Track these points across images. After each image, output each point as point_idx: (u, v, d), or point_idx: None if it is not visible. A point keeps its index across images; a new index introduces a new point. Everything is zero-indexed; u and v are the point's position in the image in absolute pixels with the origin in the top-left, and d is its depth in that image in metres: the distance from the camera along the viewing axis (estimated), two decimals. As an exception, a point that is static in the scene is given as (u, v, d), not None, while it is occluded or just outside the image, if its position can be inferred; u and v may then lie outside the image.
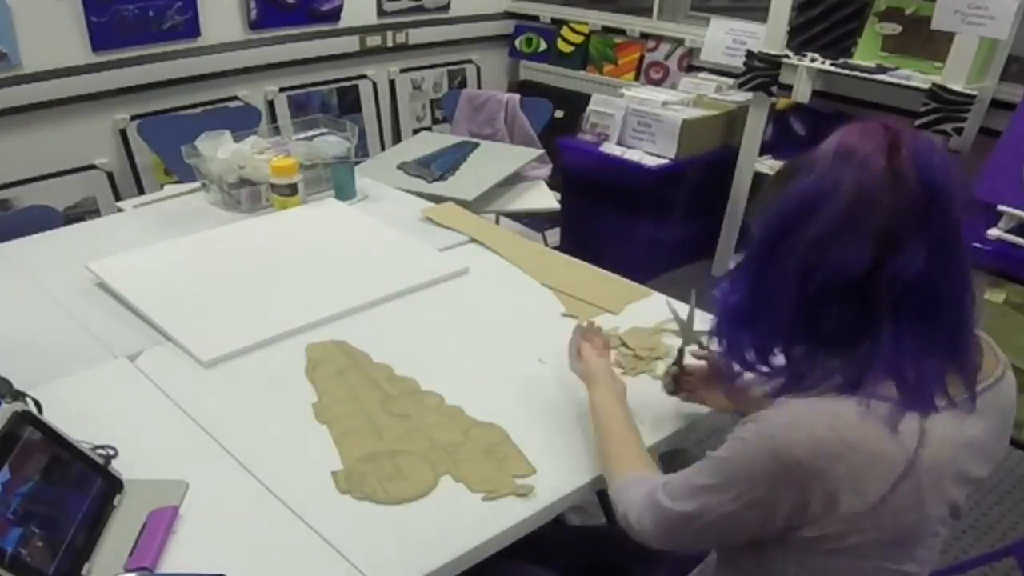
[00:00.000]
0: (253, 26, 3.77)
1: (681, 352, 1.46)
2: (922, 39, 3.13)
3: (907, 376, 0.93)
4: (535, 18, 4.72)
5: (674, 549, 1.12)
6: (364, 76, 4.28)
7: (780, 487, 0.94)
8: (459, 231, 2.21)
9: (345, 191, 2.46)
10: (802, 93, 3.45)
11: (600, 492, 1.64)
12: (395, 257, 2.04)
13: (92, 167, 3.41)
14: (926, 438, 0.92)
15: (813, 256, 0.93)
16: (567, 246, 3.21)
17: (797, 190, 0.95)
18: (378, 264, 2.01)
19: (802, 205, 0.94)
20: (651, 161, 3.55)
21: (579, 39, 4.55)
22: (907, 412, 0.92)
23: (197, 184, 2.47)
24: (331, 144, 2.48)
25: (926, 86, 2.97)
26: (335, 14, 4.05)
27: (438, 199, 2.49)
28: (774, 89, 3.47)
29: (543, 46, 4.70)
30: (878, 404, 0.92)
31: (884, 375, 0.93)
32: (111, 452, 1.29)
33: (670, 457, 2.51)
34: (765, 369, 1.04)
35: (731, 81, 3.82)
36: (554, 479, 1.32)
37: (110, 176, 3.47)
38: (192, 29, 3.56)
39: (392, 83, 4.42)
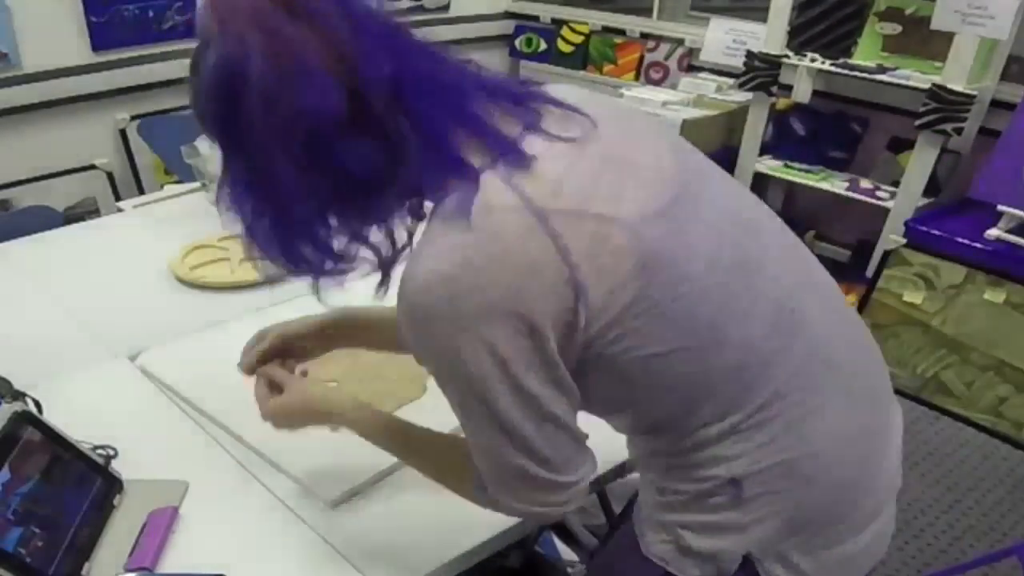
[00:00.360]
0: (254, 26, 3.77)
1: None
2: (922, 39, 3.12)
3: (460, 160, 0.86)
4: (535, 18, 4.71)
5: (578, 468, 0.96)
6: (364, 76, 4.27)
7: (489, 322, 0.83)
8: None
9: (345, 191, 2.45)
10: (802, 93, 3.45)
11: (599, 493, 1.64)
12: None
13: (92, 167, 3.41)
14: (559, 188, 0.85)
15: (276, 120, 0.82)
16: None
17: (210, 72, 0.83)
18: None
19: (226, 81, 0.82)
20: (651, 161, 3.53)
21: (579, 39, 4.54)
22: (503, 185, 0.84)
23: (197, 184, 2.46)
24: (331, 144, 2.48)
25: (926, 86, 2.96)
26: (335, 14, 4.04)
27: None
28: (774, 89, 3.47)
29: (543, 46, 4.69)
30: (470, 202, 0.83)
31: (439, 174, 0.86)
32: (111, 452, 1.29)
33: None
34: (344, 263, 0.92)
35: (731, 81, 3.81)
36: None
37: (110, 176, 3.47)
38: (192, 29, 3.52)
39: (392, 83, 4.41)
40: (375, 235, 0.91)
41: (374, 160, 0.84)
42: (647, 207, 0.87)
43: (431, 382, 1.33)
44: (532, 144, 0.87)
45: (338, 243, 0.90)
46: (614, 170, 0.89)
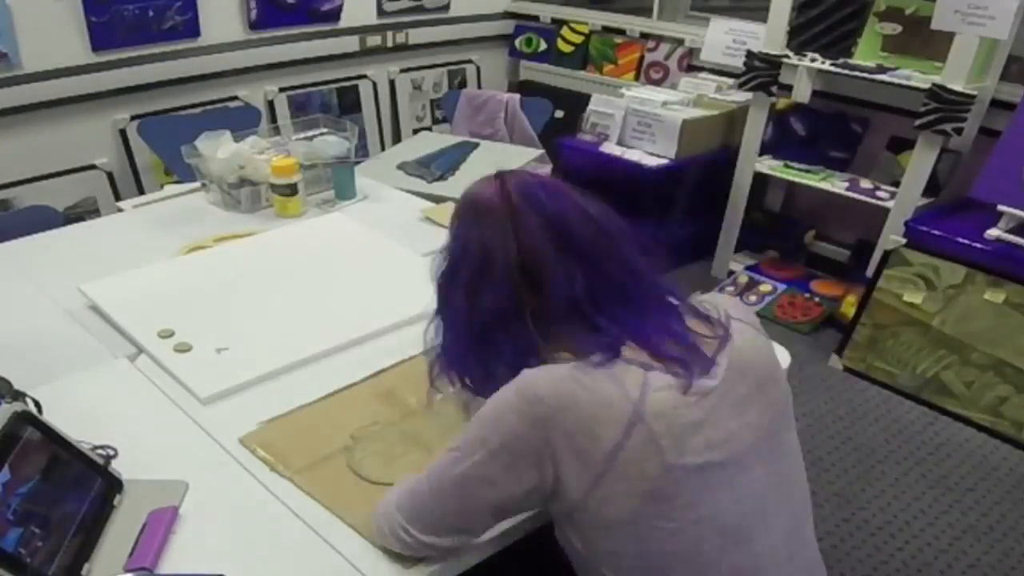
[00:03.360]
0: (253, 26, 3.77)
1: None
2: (922, 39, 3.12)
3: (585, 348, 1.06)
4: (535, 18, 4.72)
5: (434, 548, 1.12)
6: (364, 76, 4.28)
7: (526, 426, 1.00)
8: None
9: (345, 191, 2.45)
10: (802, 93, 3.44)
11: None
12: (404, 279, 1.87)
13: (92, 167, 3.41)
14: (648, 389, 1.00)
15: (471, 304, 1.13)
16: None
17: (446, 249, 1.19)
18: (387, 288, 1.90)
19: (450, 259, 1.18)
20: (651, 161, 3.54)
21: (579, 39, 4.54)
22: (631, 367, 1.03)
23: (197, 184, 2.46)
24: (331, 144, 2.48)
25: (926, 86, 2.97)
26: (335, 14, 4.05)
27: (438, 199, 2.49)
28: (774, 89, 3.47)
29: (543, 46, 4.69)
30: (602, 359, 1.03)
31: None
32: (111, 452, 1.29)
33: None
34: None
35: (731, 81, 3.82)
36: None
37: (110, 176, 3.46)
38: (192, 29, 3.56)
39: (392, 83, 4.42)
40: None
41: (520, 344, 1.12)
42: (699, 459, 1.02)
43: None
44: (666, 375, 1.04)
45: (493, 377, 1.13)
46: (700, 427, 1.03)
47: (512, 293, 1.10)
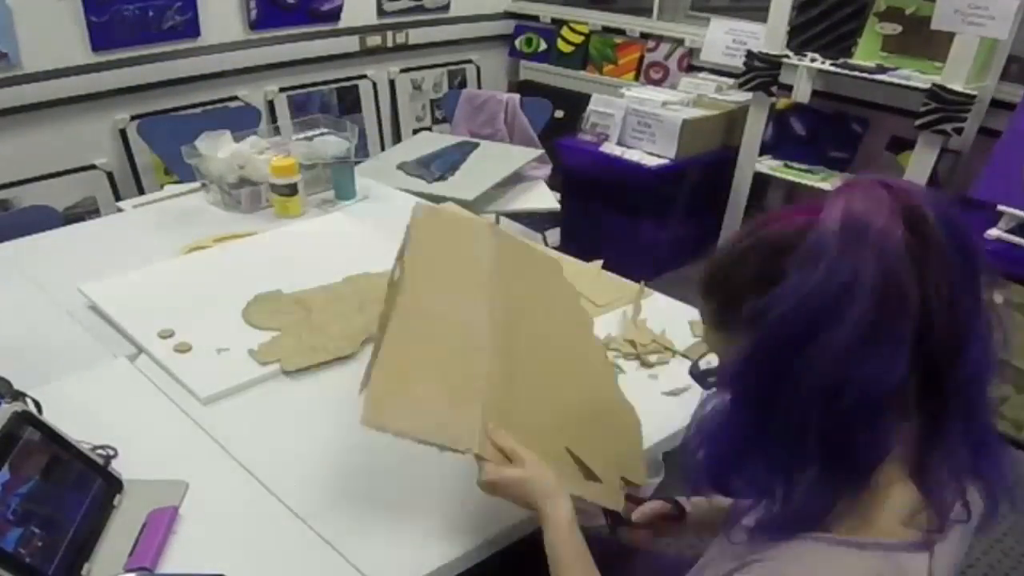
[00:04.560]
0: (253, 26, 3.77)
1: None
2: (922, 39, 3.11)
3: (940, 502, 0.81)
4: (535, 18, 4.72)
5: None
6: (364, 76, 4.28)
7: None
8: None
9: (345, 191, 2.45)
10: (802, 93, 3.44)
11: None
12: None
13: (92, 167, 3.41)
14: None
15: (839, 372, 0.73)
16: (567, 246, 3.20)
17: (799, 290, 0.74)
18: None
19: (814, 309, 0.74)
20: (651, 161, 3.55)
21: (579, 39, 4.55)
22: (917, 552, 0.80)
23: (197, 184, 2.46)
24: (331, 144, 2.48)
25: (926, 86, 2.96)
26: (335, 14, 4.05)
27: (438, 199, 2.48)
28: (774, 89, 3.47)
29: (543, 46, 4.69)
30: (888, 555, 0.79)
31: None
32: (111, 452, 1.28)
33: (671, 456, 2.49)
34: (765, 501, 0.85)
35: (731, 81, 3.81)
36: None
37: (110, 176, 3.47)
38: (192, 29, 3.56)
39: (392, 83, 4.42)
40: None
41: (870, 448, 0.77)
42: None
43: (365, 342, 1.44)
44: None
45: (781, 483, 0.82)
46: None
47: (908, 364, 0.73)
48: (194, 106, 3.67)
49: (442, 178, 2.90)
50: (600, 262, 2.06)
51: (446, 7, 4.49)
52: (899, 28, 3.23)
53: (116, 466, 1.26)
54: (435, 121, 4.65)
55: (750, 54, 3.47)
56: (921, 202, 0.75)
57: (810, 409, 0.75)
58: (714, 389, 0.92)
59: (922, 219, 0.74)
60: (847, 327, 0.72)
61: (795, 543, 0.80)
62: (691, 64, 4.14)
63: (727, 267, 0.87)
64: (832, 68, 3.27)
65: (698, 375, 1.02)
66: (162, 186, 2.83)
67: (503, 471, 1.09)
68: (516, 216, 3.37)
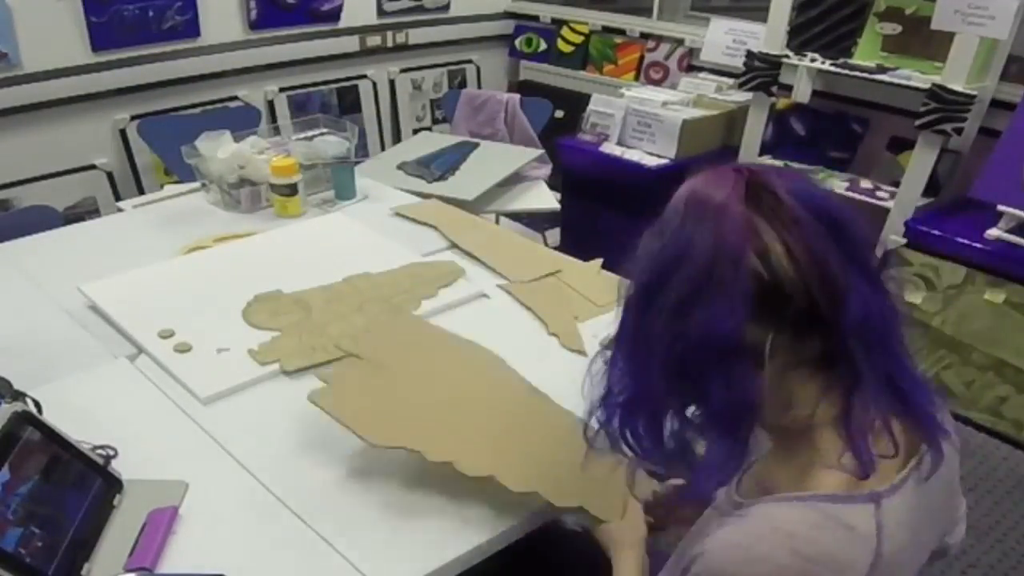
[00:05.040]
0: (253, 26, 3.77)
1: None
2: (922, 39, 3.09)
3: (859, 445, 0.85)
4: (535, 18, 4.70)
5: None
6: (364, 76, 4.27)
7: None
8: (441, 231, 2.19)
9: (345, 191, 2.45)
10: (802, 93, 3.43)
11: None
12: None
13: (92, 167, 3.41)
14: (884, 531, 0.85)
15: (679, 322, 0.84)
16: (567, 246, 3.20)
17: (649, 254, 0.89)
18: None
19: (657, 268, 0.87)
20: (651, 161, 3.53)
21: (579, 39, 4.52)
22: (860, 504, 0.85)
23: (197, 184, 2.46)
24: (331, 144, 2.48)
25: (926, 86, 2.94)
26: (335, 14, 4.04)
27: (439, 199, 2.48)
28: (774, 89, 3.44)
29: (543, 46, 4.67)
30: (828, 506, 0.84)
31: (829, 444, 0.87)
32: (111, 452, 1.29)
33: None
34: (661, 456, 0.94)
35: (731, 81, 3.79)
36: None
37: (110, 176, 3.47)
38: (192, 29, 3.56)
39: (392, 83, 4.41)
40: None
41: (750, 391, 0.84)
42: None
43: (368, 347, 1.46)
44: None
45: (672, 438, 0.92)
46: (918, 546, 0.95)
47: (746, 317, 0.82)
48: (194, 106, 3.67)
49: (442, 178, 2.89)
50: (600, 262, 2.05)
51: (446, 7, 4.48)
52: (899, 28, 3.20)
53: (116, 466, 1.26)
54: (435, 121, 4.63)
55: (750, 54, 3.44)
56: (769, 180, 0.85)
57: (665, 357, 0.86)
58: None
59: (768, 193, 0.84)
60: (683, 284, 0.83)
61: (742, 511, 0.89)
62: (691, 64, 4.11)
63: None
64: (832, 68, 3.24)
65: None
66: (162, 186, 2.83)
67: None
68: (516, 216, 3.37)
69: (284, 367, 1.57)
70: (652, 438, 0.92)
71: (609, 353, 0.94)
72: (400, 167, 2.97)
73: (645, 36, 4.29)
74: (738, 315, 0.81)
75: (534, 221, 3.81)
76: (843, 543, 0.83)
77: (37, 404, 1.33)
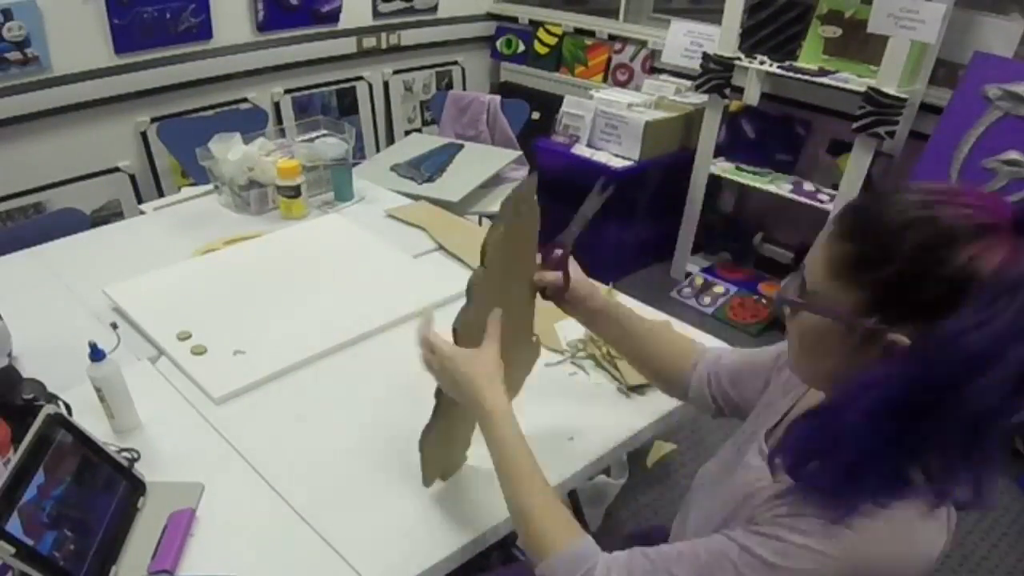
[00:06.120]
0: (261, 28, 3.68)
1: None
2: (860, 42, 3.01)
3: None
4: (514, 19, 4.54)
5: None
6: (361, 78, 4.19)
7: None
8: (429, 232, 2.17)
9: (344, 193, 2.42)
10: (752, 95, 3.37)
11: (570, 494, 1.62)
12: (399, 280, 1.92)
13: (116, 170, 3.35)
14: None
15: (1001, 404, 0.72)
16: (541, 248, 3.20)
17: (998, 318, 0.70)
18: (383, 288, 1.88)
19: (1003, 342, 0.71)
20: (617, 163, 3.42)
21: (553, 40, 4.37)
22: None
23: (211, 186, 2.43)
24: (331, 146, 2.43)
25: (862, 89, 2.88)
26: (335, 15, 3.96)
27: (428, 201, 2.46)
28: (727, 91, 3.35)
29: (521, 47, 4.52)
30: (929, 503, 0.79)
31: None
32: (135, 455, 1.28)
33: (635, 457, 2.49)
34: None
35: (688, 83, 3.66)
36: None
37: (132, 179, 3.41)
38: (205, 31, 3.48)
39: (386, 85, 4.32)
40: None
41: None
42: None
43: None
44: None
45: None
46: None
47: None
48: (207, 108, 3.60)
49: (430, 179, 2.85)
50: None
51: (434, 8, 4.36)
52: (839, 31, 3.09)
53: (138, 468, 1.25)
54: (424, 123, 4.52)
55: (706, 56, 3.34)
56: None
57: (949, 426, 0.74)
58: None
59: None
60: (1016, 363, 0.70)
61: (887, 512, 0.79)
62: (653, 66, 3.98)
63: (888, 221, 0.78)
64: (778, 70, 3.14)
65: (788, 301, 0.94)
66: (180, 188, 2.79)
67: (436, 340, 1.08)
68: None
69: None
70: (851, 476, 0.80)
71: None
72: (393, 169, 2.93)
73: (612, 38, 4.13)
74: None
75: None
76: (940, 535, 0.81)
77: (67, 407, 1.32)
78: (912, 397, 0.74)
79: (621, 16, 4.13)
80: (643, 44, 4.01)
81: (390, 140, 4.36)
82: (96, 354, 1.33)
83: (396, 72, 4.34)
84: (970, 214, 0.74)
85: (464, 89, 4.58)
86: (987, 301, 0.71)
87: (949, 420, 0.74)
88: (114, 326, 1.65)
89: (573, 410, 1.48)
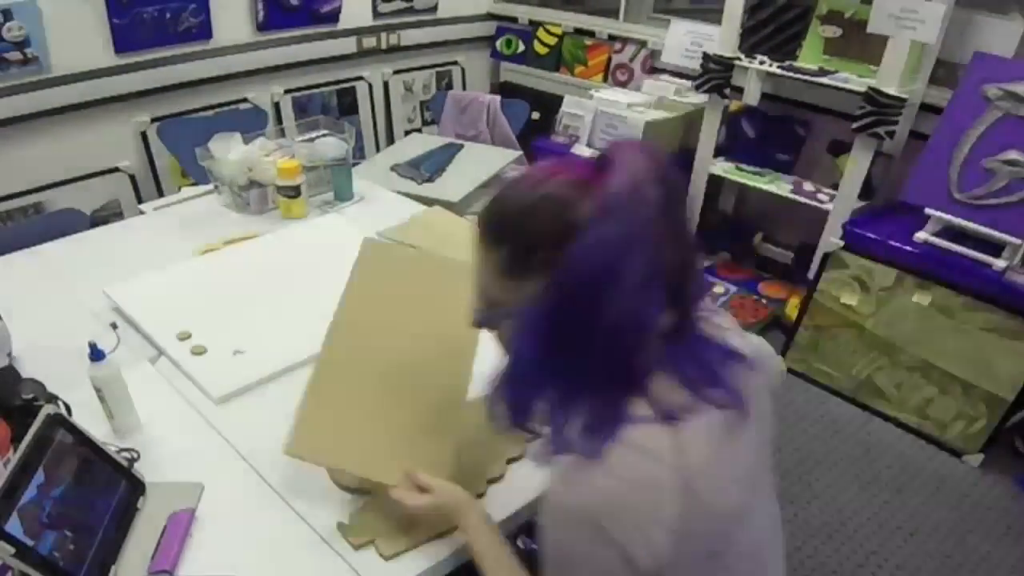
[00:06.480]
0: (261, 27, 3.67)
1: None
2: (860, 42, 2.98)
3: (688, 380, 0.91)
4: (514, 19, 4.52)
5: None
6: (361, 78, 4.18)
7: (597, 545, 0.86)
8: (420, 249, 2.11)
9: (344, 193, 2.42)
10: (752, 95, 3.35)
11: None
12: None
13: (116, 170, 3.34)
14: (686, 449, 0.88)
15: (628, 309, 0.83)
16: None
17: (599, 240, 0.83)
18: None
19: (610, 258, 0.83)
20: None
21: (553, 40, 4.35)
22: (657, 429, 0.88)
23: (211, 186, 2.43)
24: (330, 146, 2.42)
25: (862, 89, 2.86)
26: (335, 15, 3.95)
27: (428, 201, 2.45)
28: (727, 91, 3.33)
29: (521, 47, 4.50)
30: (630, 432, 0.87)
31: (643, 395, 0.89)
32: (134, 455, 1.28)
33: None
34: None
35: (688, 83, 3.64)
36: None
37: (132, 179, 3.39)
38: (205, 31, 3.47)
39: (386, 85, 4.30)
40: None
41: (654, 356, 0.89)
42: (737, 505, 0.95)
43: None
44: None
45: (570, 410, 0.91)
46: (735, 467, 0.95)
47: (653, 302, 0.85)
48: (207, 108, 3.59)
49: (430, 179, 2.85)
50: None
51: (434, 8, 4.35)
52: (839, 31, 3.08)
53: (137, 468, 1.25)
54: (424, 123, 4.50)
55: (706, 56, 3.32)
56: (667, 165, 0.86)
57: (601, 341, 0.84)
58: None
59: (671, 180, 0.85)
60: (635, 272, 0.81)
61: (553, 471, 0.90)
62: (653, 66, 3.96)
63: (517, 217, 0.89)
64: (778, 71, 3.12)
65: (484, 320, 1.01)
66: (179, 188, 2.79)
67: (418, 500, 1.14)
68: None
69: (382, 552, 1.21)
70: (553, 414, 0.92)
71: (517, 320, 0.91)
72: (393, 168, 2.93)
73: (612, 38, 4.11)
74: (662, 295, 0.85)
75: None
76: (650, 463, 0.86)
77: (67, 407, 1.32)
78: (561, 326, 0.86)
79: (621, 16, 4.13)
80: (643, 44, 4.00)
81: (390, 140, 4.35)
82: (96, 354, 1.32)
83: (396, 72, 4.33)
84: (572, 176, 0.86)
85: (464, 89, 4.57)
86: (595, 225, 0.82)
87: (600, 337, 0.84)
88: (114, 326, 1.65)
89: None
